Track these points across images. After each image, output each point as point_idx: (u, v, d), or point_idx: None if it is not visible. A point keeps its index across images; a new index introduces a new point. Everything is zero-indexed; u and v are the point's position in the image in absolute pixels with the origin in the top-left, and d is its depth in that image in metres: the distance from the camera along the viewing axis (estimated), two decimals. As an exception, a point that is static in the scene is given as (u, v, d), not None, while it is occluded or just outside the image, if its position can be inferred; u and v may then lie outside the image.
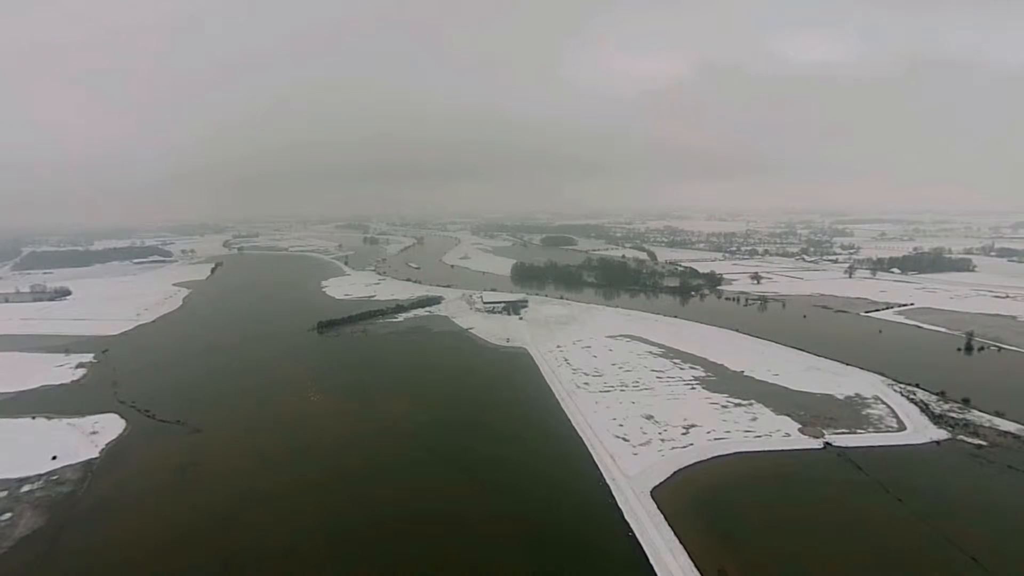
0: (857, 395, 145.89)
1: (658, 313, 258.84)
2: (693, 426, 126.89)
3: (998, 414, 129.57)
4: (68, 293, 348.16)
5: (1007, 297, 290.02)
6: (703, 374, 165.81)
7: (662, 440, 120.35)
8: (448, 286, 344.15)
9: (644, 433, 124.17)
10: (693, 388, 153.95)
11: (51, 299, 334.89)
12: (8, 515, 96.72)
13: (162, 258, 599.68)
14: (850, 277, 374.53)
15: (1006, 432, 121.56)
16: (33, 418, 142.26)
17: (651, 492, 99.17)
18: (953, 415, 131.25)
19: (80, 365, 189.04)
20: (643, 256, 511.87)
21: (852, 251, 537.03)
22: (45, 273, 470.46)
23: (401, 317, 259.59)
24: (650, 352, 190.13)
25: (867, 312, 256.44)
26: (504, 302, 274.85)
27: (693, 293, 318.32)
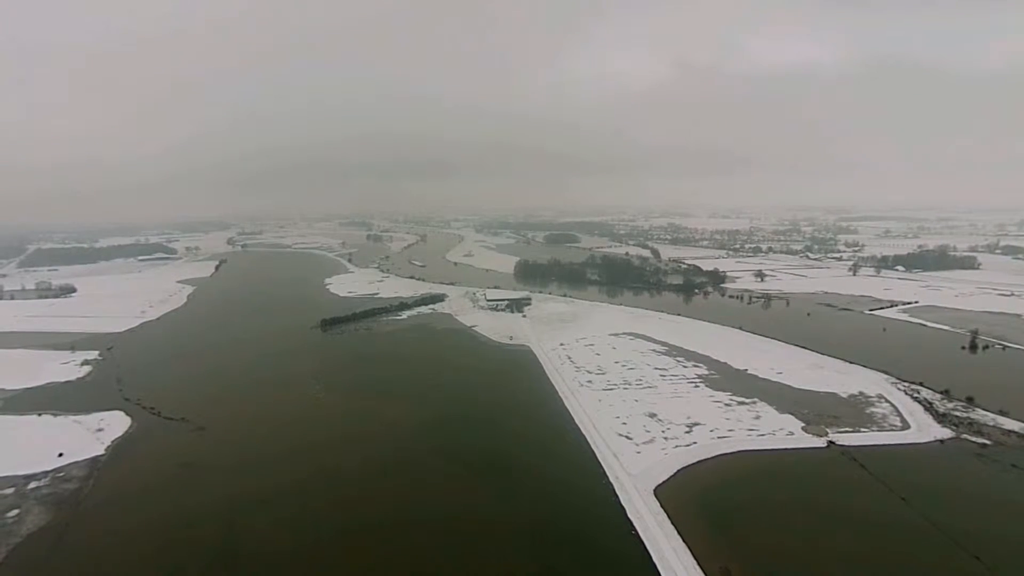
0: (861, 393, 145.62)
1: (662, 311, 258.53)
2: (696, 424, 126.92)
3: (1002, 413, 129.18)
4: (73, 290, 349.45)
5: (1012, 295, 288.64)
6: (706, 372, 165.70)
7: (665, 438, 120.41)
8: (452, 283, 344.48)
9: (647, 431, 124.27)
10: (696, 386, 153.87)
11: (56, 296, 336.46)
12: (15, 511, 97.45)
13: (166, 255, 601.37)
14: (854, 275, 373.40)
15: (1010, 431, 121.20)
16: (39, 415, 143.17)
17: (654, 491, 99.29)
18: (957, 414, 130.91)
19: (85, 362, 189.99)
20: (646, 254, 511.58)
21: (856, 248, 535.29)
22: (50, 270, 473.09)
23: (404, 315, 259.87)
24: (653, 350, 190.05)
25: (871, 310, 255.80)
26: (507, 300, 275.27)
27: (697, 291, 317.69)
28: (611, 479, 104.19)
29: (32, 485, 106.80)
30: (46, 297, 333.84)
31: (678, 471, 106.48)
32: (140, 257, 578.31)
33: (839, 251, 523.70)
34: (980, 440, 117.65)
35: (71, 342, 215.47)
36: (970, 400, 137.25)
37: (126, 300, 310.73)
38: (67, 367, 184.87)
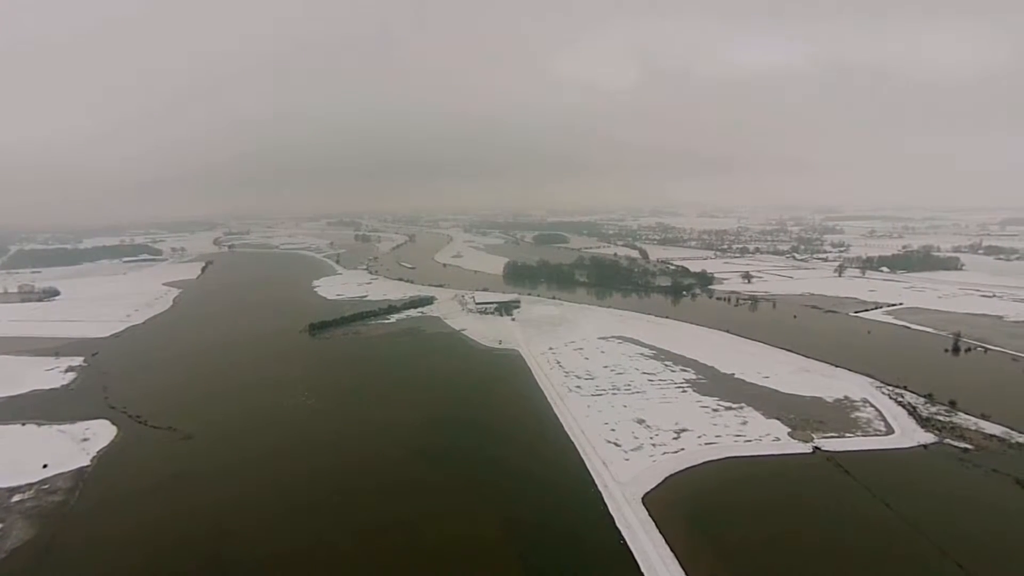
0: (846, 398, 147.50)
1: (650, 313, 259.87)
2: (684, 430, 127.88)
3: (984, 417, 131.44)
4: (57, 293, 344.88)
5: (994, 296, 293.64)
6: (694, 376, 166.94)
7: (653, 445, 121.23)
8: (440, 286, 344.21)
9: (636, 438, 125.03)
10: (684, 391, 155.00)
11: (40, 300, 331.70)
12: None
13: (152, 256, 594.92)
14: (840, 276, 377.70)
15: (991, 435, 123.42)
16: (23, 424, 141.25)
17: (642, 499, 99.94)
18: (940, 418, 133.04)
19: (70, 369, 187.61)
20: (635, 254, 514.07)
21: (842, 249, 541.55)
22: (33, 272, 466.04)
23: (393, 318, 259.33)
24: (642, 354, 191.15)
25: (856, 312, 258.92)
26: (496, 303, 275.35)
27: (685, 293, 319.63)
28: (599, 487, 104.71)
29: (16, 498, 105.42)
30: (29, 300, 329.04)
31: (666, 478, 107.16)
32: (125, 259, 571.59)
33: (825, 252, 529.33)
34: (962, 445, 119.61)
35: (55, 348, 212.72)
36: (953, 404, 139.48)
37: (111, 303, 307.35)
38: (51, 374, 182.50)
